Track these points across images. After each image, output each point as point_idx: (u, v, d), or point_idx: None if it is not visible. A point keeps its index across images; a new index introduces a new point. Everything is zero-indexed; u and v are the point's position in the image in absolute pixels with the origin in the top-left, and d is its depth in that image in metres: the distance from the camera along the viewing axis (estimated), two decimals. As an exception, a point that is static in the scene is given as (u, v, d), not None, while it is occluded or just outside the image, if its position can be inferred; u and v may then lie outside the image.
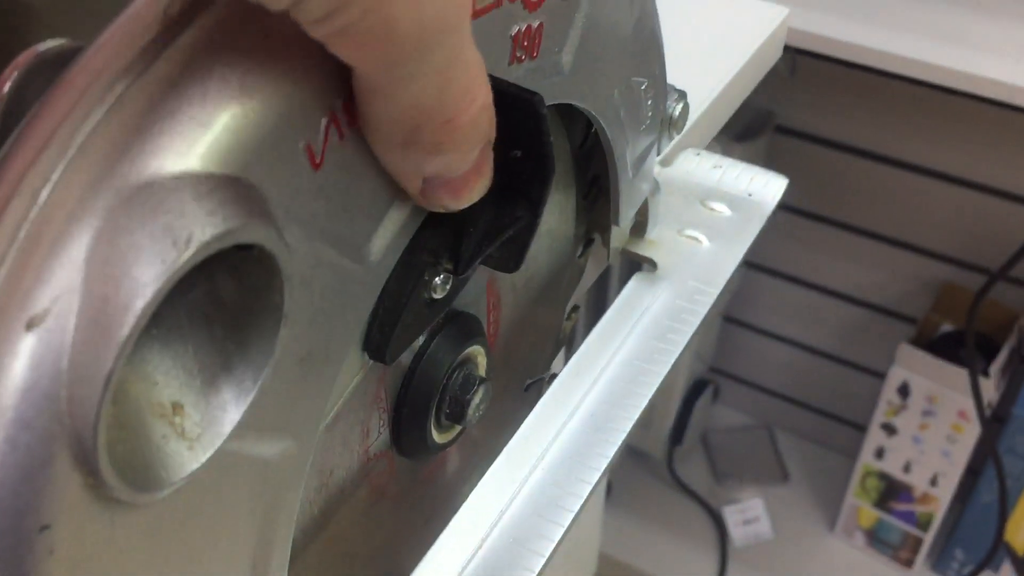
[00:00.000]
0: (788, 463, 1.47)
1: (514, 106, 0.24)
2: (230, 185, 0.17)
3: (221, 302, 0.18)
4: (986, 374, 1.11)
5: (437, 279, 0.25)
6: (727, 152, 1.27)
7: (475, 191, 0.22)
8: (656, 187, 0.39)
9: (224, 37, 0.17)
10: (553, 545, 0.29)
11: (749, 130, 1.19)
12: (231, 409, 0.18)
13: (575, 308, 0.41)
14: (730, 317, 1.47)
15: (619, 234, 0.38)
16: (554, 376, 0.41)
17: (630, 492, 1.43)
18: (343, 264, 0.21)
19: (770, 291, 1.40)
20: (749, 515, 1.40)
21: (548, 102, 0.26)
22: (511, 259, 0.27)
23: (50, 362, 0.15)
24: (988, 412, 1.14)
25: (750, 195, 0.43)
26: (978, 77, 0.84)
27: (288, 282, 0.18)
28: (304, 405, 0.21)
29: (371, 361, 0.26)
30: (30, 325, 0.15)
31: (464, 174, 0.22)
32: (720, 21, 0.56)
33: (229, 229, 0.16)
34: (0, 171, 0.16)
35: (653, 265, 0.39)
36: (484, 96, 0.21)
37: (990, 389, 1.11)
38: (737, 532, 1.39)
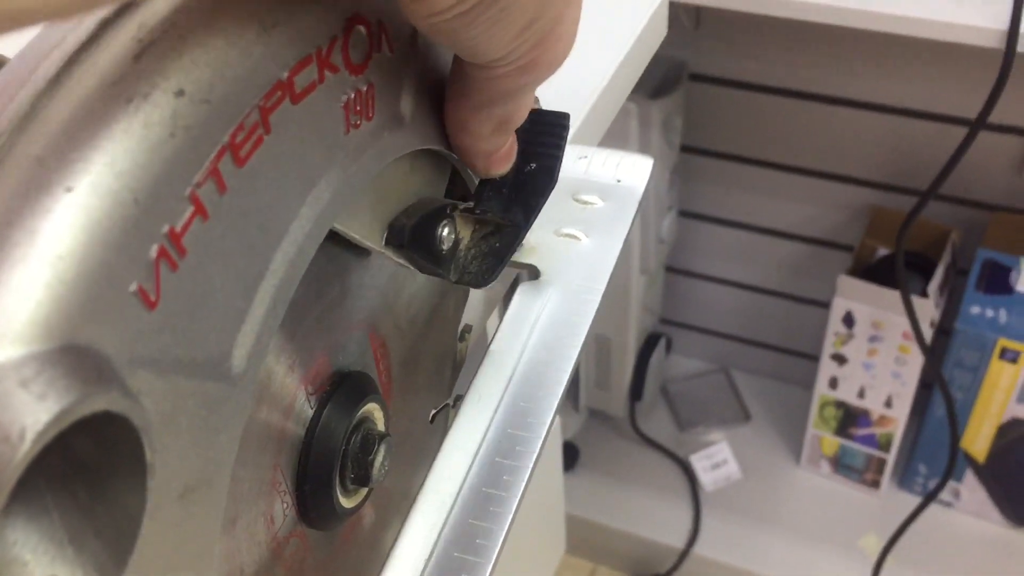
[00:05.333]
0: (748, 403, 1.49)
1: (545, 121, 0.32)
2: (59, 358, 0.16)
3: (80, 463, 0.18)
4: (924, 294, 1.13)
5: (444, 231, 0.30)
6: (645, 110, 1.27)
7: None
8: None
9: (23, 202, 0.17)
10: (489, 567, 0.30)
11: (664, 84, 1.19)
12: (113, 573, 0.18)
13: (467, 328, 0.41)
14: (673, 268, 1.48)
15: None
16: (459, 398, 0.41)
17: (597, 454, 1.44)
18: (206, 388, 0.20)
19: (708, 237, 1.41)
20: (716, 459, 1.42)
21: (396, 155, 0.26)
22: (487, 272, 0.31)
23: None
24: (932, 330, 1.16)
25: (619, 181, 0.42)
26: (880, 14, 0.84)
27: (146, 434, 0.18)
28: (194, 536, 0.21)
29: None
30: None
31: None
32: (598, 13, 0.55)
33: (65, 408, 0.16)
34: None
35: (536, 272, 0.38)
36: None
37: (930, 307, 1.13)
38: (707, 477, 1.41)
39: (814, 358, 1.39)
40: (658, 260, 1.36)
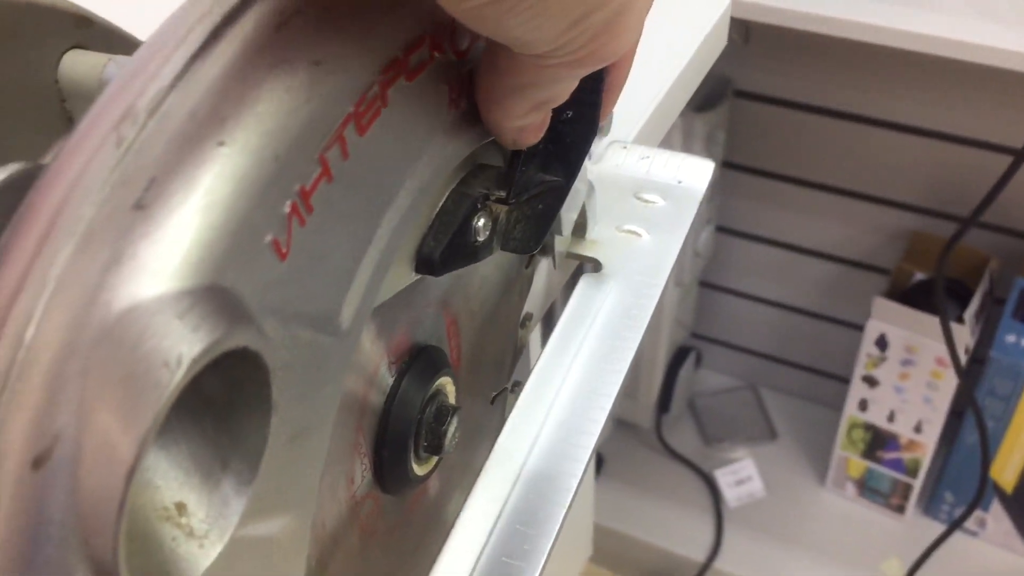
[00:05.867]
0: (775, 421, 1.49)
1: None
2: (207, 295, 0.18)
3: (209, 400, 0.19)
4: (960, 320, 1.13)
5: (480, 222, 0.28)
6: (689, 123, 1.28)
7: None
8: (591, 188, 0.40)
9: (179, 153, 0.18)
10: (544, 557, 0.31)
11: (709, 99, 1.20)
12: (233, 501, 0.19)
13: (528, 316, 0.42)
14: (707, 282, 1.48)
15: (562, 240, 0.39)
16: (516, 383, 0.42)
17: (622, 464, 1.45)
18: (319, 340, 0.22)
19: (744, 254, 1.42)
20: (741, 475, 1.42)
21: (481, 142, 0.28)
22: (532, 238, 0.29)
23: (61, 497, 0.16)
24: (966, 357, 1.16)
25: (680, 182, 0.44)
26: (928, 36, 0.85)
27: (273, 374, 0.19)
28: (299, 480, 0.22)
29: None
30: (36, 464, 0.16)
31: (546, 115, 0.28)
32: (664, 17, 0.57)
33: (216, 340, 0.17)
34: None
35: (598, 265, 0.40)
36: None
37: (966, 334, 1.13)
38: (730, 493, 1.41)
39: (843, 379, 1.39)
40: (693, 273, 1.37)
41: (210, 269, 0.18)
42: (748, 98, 1.26)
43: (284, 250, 0.20)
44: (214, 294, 0.18)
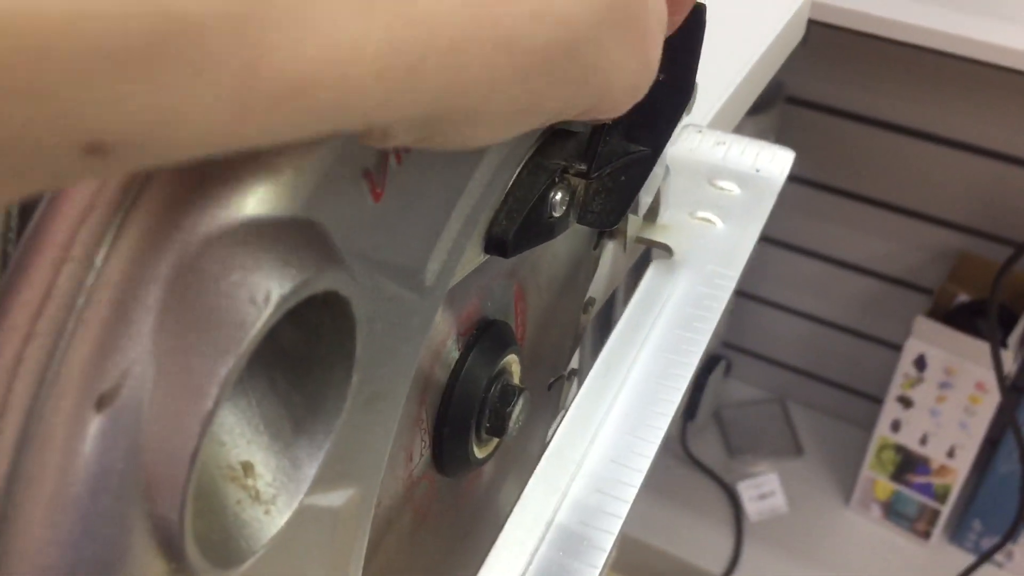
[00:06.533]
0: (802, 437, 1.46)
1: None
2: (297, 228, 0.15)
3: (283, 350, 0.17)
4: (1005, 344, 1.10)
5: (557, 196, 0.25)
6: (739, 125, 1.25)
7: None
8: (666, 171, 0.38)
9: None
10: (604, 555, 0.29)
11: (760, 102, 1.17)
12: (305, 465, 0.17)
13: (591, 301, 0.40)
14: (742, 291, 1.45)
15: (633, 222, 0.37)
16: (573, 372, 0.40)
17: (645, 469, 1.43)
18: (403, 295, 0.20)
19: (782, 264, 1.39)
20: (764, 490, 1.40)
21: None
22: (612, 212, 0.26)
23: (125, 443, 0.13)
24: (1007, 383, 1.13)
25: (758, 171, 0.42)
26: (997, 46, 0.82)
27: (359, 326, 0.17)
28: (370, 449, 0.20)
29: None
30: (100, 405, 0.13)
31: None
32: (739, 6, 0.55)
33: (307, 279, 0.15)
34: (42, 233, 0.14)
35: (668, 251, 0.38)
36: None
37: (1008, 360, 1.10)
38: (752, 507, 1.38)
39: (875, 399, 1.36)
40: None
41: (303, 198, 0.16)
42: (800, 104, 1.23)
43: (379, 189, 0.18)
44: (305, 228, 0.16)
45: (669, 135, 0.27)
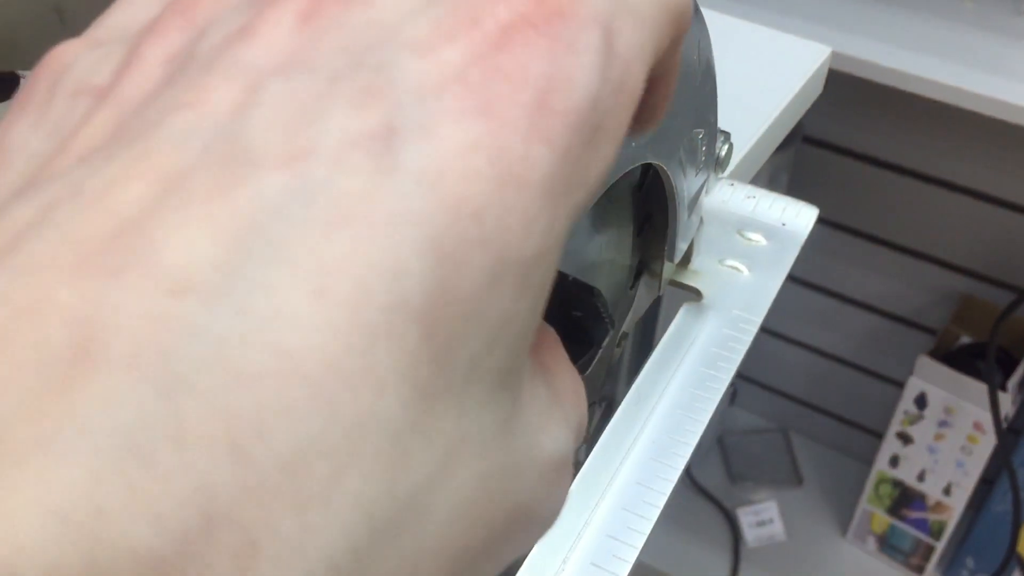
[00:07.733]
0: (803, 467, 1.49)
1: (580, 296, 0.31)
2: None
3: None
4: (1004, 388, 1.13)
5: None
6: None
7: None
8: (700, 221, 0.41)
9: None
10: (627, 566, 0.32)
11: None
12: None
13: (624, 336, 0.43)
14: (749, 322, 1.49)
15: (668, 267, 0.41)
16: (604, 399, 0.43)
17: (647, 491, 1.45)
18: None
19: (790, 297, 1.42)
20: (763, 517, 1.43)
21: (629, 166, 0.29)
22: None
23: None
24: (1004, 425, 1.16)
25: (783, 225, 0.45)
26: (1006, 103, 0.85)
27: None
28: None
29: None
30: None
31: None
32: (764, 60, 0.58)
33: None
34: None
35: (698, 295, 0.41)
36: None
37: (1007, 403, 1.13)
38: (750, 533, 1.41)
39: (875, 434, 1.39)
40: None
41: None
42: (815, 144, 1.27)
43: None
44: None
45: (592, 360, 0.33)
